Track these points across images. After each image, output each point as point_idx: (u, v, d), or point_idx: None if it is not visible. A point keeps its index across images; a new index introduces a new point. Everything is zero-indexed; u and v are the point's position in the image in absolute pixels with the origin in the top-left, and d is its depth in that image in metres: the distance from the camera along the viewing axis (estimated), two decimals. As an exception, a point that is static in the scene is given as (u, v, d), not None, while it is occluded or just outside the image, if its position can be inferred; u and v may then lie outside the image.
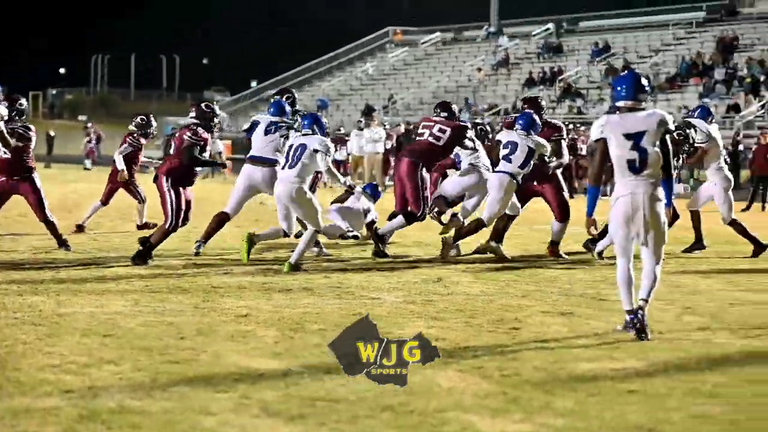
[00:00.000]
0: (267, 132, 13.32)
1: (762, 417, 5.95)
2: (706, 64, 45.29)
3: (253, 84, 65.95)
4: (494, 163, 13.67)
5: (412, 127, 34.58)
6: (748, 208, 23.95)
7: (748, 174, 29.52)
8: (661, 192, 8.29)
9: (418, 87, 56.88)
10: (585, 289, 10.90)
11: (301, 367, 6.92)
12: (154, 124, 16.80)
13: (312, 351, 7.46)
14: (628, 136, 8.30)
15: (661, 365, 7.21)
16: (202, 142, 12.63)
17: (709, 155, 14.43)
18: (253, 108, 58.79)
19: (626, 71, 8.92)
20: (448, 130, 13.73)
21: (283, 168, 12.50)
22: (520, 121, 13.54)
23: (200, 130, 12.64)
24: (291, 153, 12.44)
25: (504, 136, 13.58)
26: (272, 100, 14.05)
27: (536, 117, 13.60)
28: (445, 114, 14.02)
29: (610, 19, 57.07)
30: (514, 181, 13.34)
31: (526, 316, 9.13)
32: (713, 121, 14.87)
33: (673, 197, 8.66)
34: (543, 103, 14.48)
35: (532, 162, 13.40)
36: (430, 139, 13.72)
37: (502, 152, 13.42)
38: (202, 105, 13.00)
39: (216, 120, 12.91)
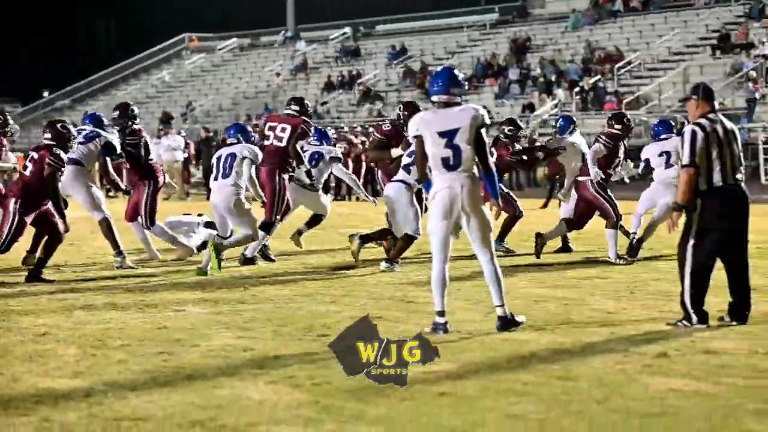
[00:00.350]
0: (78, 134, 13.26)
1: (572, 412, 5.97)
2: (501, 65, 46.20)
3: (45, 94, 64.15)
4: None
5: (212, 134, 34.18)
6: (545, 205, 24.43)
7: (544, 172, 30.13)
8: (479, 184, 8.39)
9: (216, 93, 56.37)
10: (393, 293, 10.86)
11: (104, 386, 6.66)
12: (11, 122, 15.90)
13: (115, 368, 7.19)
14: (441, 134, 8.35)
15: (472, 366, 7.19)
16: (63, 167, 12.00)
17: (571, 167, 14.62)
18: (46, 118, 57.21)
19: (441, 68, 8.99)
20: (288, 127, 13.61)
21: (215, 179, 12.70)
22: None
23: (60, 152, 11.95)
24: (221, 163, 12.68)
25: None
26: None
27: None
28: (296, 108, 13.90)
29: (405, 23, 57.65)
30: (412, 189, 12.75)
31: (336, 322, 9.01)
32: (575, 130, 14.96)
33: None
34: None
35: None
36: (275, 141, 13.60)
37: (405, 161, 12.91)
38: (58, 126, 12.30)
39: (72, 140, 12.33)
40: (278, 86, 54.04)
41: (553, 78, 43.22)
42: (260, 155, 12.94)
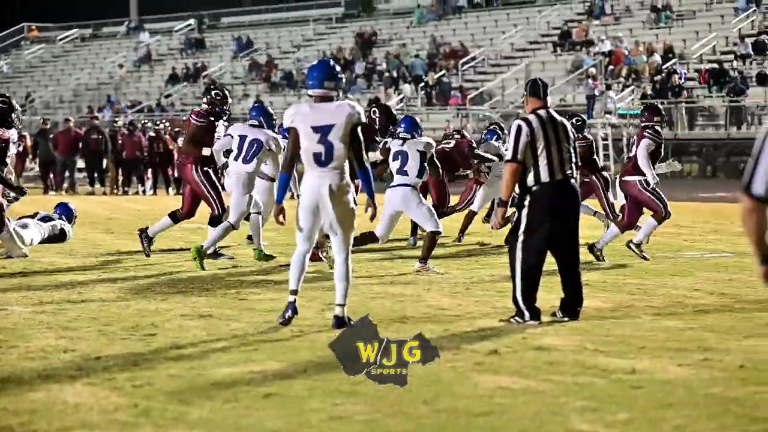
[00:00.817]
0: None
1: (400, 412, 5.85)
2: (347, 59, 46.17)
3: None
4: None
5: (48, 126, 33.27)
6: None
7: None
8: (348, 182, 8.34)
9: (57, 84, 55.14)
10: (227, 290, 10.63)
11: None
12: None
13: (-75, 372, 6.82)
14: (315, 129, 8.26)
15: (301, 365, 7.03)
16: (3, 144, 11.41)
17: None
18: None
19: (318, 61, 8.89)
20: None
21: (236, 159, 12.51)
22: (402, 125, 12.52)
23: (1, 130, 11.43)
24: (246, 147, 12.42)
25: (393, 145, 12.43)
26: None
27: (417, 119, 12.83)
28: (205, 101, 13.46)
29: (251, 15, 57.26)
30: (416, 191, 12.17)
31: (164, 320, 8.76)
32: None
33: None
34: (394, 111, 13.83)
35: (426, 166, 12.38)
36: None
37: (394, 165, 12.26)
38: None
39: (13, 115, 11.86)
40: (121, 78, 53.10)
41: (399, 73, 43.37)
42: (282, 147, 12.64)
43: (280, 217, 8.51)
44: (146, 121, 35.81)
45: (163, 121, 33.83)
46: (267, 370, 6.88)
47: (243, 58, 51.08)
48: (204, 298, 10.02)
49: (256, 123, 12.78)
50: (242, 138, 12.61)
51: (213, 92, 13.42)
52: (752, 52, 36.70)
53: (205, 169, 12.91)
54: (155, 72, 53.54)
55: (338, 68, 8.66)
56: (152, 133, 30.54)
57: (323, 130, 8.26)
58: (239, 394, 6.26)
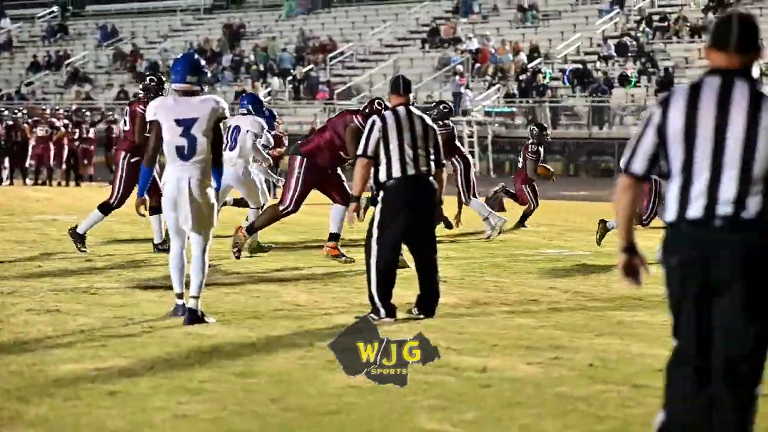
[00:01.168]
0: None
1: (245, 411, 5.73)
2: (215, 51, 45.75)
3: None
4: None
5: None
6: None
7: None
8: (209, 176, 8.28)
9: None
10: (77, 284, 10.34)
11: None
12: None
13: None
14: (178, 122, 8.17)
15: (148, 362, 6.85)
16: None
17: None
18: None
19: (182, 54, 8.83)
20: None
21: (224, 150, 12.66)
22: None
23: None
24: (228, 135, 12.69)
25: None
26: None
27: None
28: (142, 90, 13.29)
29: (117, 4, 56.25)
30: None
31: (9, 315, 8.49)
32: None
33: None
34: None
35: None
36: (123, 126, 13.34)
37: None
38: None
39: None
40: (-19, 64, 51.81)
41: (266, 66, 43.13)
42: (265, 128, 13.16)
43: (141, 208, 8.52)
44: (3, 109, 34.94)
45: (21, 109, 33.03)
46: (113, 366, 6.70)
47: (108, 47, 50.23)
48: (53, 293, 9.74)
49: (245, 111, 13.14)
50: (227, 129, 12.87)
51: (147, 78, 13.38)
52: (615, 54, 37.35)
53: (134, 160, 12.68)
54: (16, 59, 52.35)
55: (203, 62, 8.62)
56: (10, 122, 29.82)
57: (186, 123, 8.17)
58: (81, 391, 6.07)
